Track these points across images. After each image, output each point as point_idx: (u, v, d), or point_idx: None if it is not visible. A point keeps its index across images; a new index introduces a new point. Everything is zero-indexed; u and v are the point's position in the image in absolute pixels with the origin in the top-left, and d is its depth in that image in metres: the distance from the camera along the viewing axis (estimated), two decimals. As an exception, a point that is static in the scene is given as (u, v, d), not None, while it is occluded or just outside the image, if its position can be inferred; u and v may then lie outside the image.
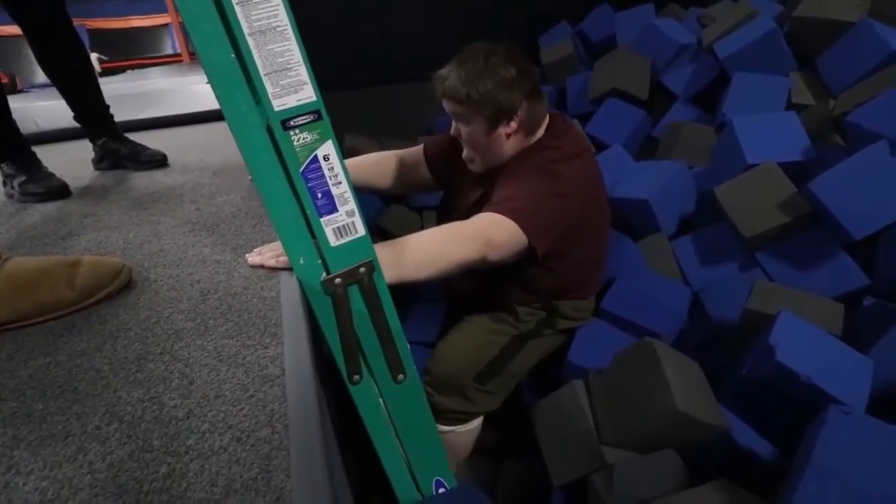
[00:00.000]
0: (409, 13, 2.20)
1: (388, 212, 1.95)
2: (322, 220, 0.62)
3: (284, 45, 0.55)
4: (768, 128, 1.31)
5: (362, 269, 0.65)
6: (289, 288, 0.61)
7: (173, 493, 0.34)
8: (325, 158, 0.61)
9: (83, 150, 1.26)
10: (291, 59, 0.56)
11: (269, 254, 0.69)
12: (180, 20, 3.94)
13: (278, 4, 0.53)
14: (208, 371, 0.47)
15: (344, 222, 0.64)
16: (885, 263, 1.08)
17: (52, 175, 1.09)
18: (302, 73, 0.57)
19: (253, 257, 0.69)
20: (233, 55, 0.53)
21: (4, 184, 1.10)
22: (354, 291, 0.66)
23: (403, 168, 1.25)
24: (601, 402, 0.96)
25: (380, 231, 1.89)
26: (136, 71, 3.69)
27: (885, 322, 0.94)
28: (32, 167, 1.09)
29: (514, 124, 0.98)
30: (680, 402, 0.83)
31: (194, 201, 0.95)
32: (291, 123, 0.58)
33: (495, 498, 1.17)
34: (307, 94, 0.58)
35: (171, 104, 1.96)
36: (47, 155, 1.11)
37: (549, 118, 1.05)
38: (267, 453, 0.36)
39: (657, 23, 1.84)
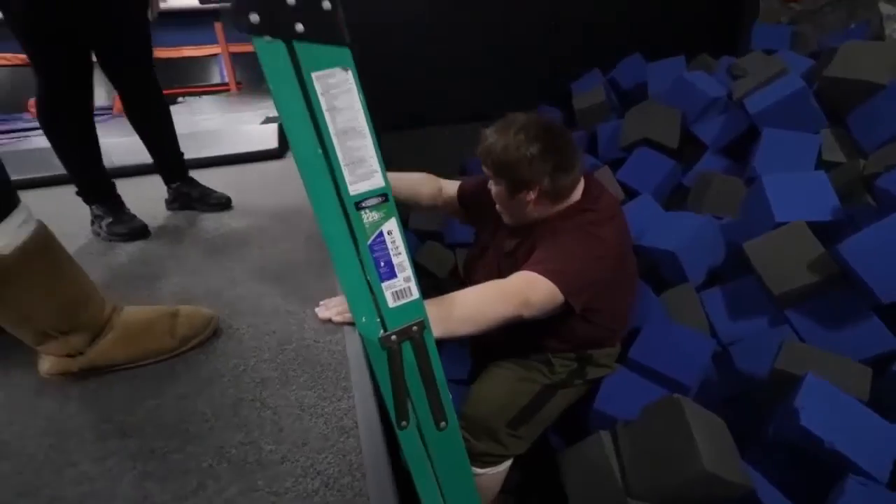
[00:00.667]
0: (445, 61, 2.35)
1: (422, 248, 2.05)
2: (383, 284, 0.72)
3: (361, 142, 0.65)
4: (798, 186, 1.35)
5: (415, 328, 0.74)
6: (353, 342, 0.70)
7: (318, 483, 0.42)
8: (389, 233, 0.70)
9: (153, 187, 1.41)
10: (366, 153, 0.66)
11: (335, 310, 0.79)
12: (229, 51, 4.22)
13: (359, 110, 0.64)
14: (293, 420, 0.56)
15: (401, 287, 0.73)
16: (914, 328, 1.10)
17: (134, 217, 1.24)
18: (374, 163, 0.67)
19: (322, 311, 0.79)
20: (320, 151, 0.64)
21: (93, 223, 1.25)
22: (407, 347, 0.75)
23: (442, 197, 1.35)
24: (628, 454, 1.00)
25: (416, 266, 1.99)
26: (188, 99, 3.98)
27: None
28: (119, 209, 1.24)
29: (532, 194, 1.04)
30: (707, 461, 0.87)
31: (261, 247, 1.07)
32: (363, 204, 0.68)
33: (522, 538, 1.22)
34: (377, 181, 0.68)
35: (222, 144, 2.14)
36: (121, 189, 1.25)
37: (585, 181, 1.13)
38: (351, 498, 0.45)
39: (688, 76, 1.91)
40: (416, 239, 2.09)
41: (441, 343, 1.27)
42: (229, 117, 2.79)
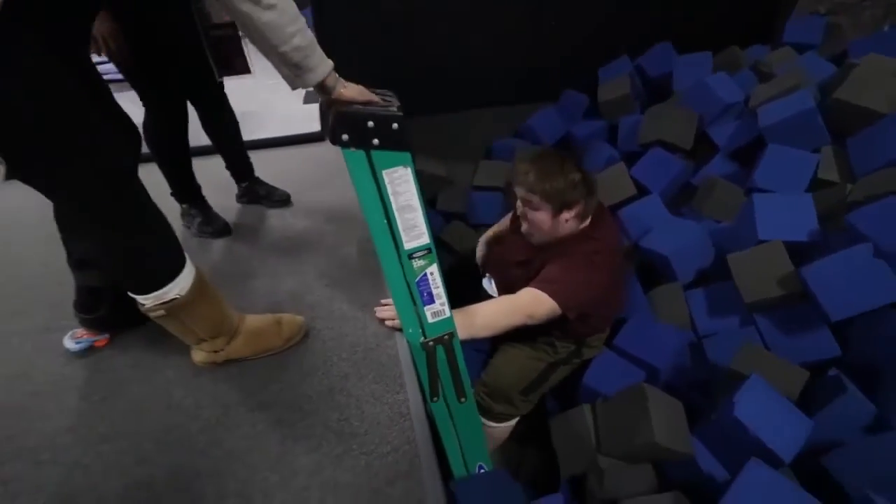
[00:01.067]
0: (473, 49, 2.44)
1: (447, 227, 2.30)
2: (425, 307, 1.00)
3: (414, 214, 0.91)
4: (784, 207, 1.53)
5: (446, 337, 1.03)
6: (402, 346, 0.99)
7: (373, 464, 0.73)
8: (431, 274, 0.97)
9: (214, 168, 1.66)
10: (417, 222, 0.92)
11: (388, 319, 1.08)
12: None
13: (414, 193, 0.89)
14: (369, 405, 0.86)
15: (438, 309, 1.01)
16: (856, 343, 1.33)
17: (218, 216, 1.52)
18: (422, 227, 0.93)
19: (380, 312, 1.09)
20: (385, 221, 0.90)
21: (183, 219, 1.53)
22: (440, 349, 1.04)
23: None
24: (602, 423, 1.31)
25: (441, 243, 2.25)
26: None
27: (835, 392, 1.22)
28: (206, 209, 1.52)
29: (571, 214, 1.29)
30: (658, 434, 1.17)
31: (324, 252, 1.35)
32: (414, 255, 0.94)
33: (519, 476, 1.58)
34: (424, 239, 0.93)
35: (267, 126, 2.31)
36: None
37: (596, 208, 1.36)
38: (410, 459, 0.75)
39: (710, 80, 2.01)
40: (441, 219, 2.34)
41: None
42: (265, 98, 2.92)
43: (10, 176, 0.68)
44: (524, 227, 1.39)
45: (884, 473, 1.03)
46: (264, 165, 1.86)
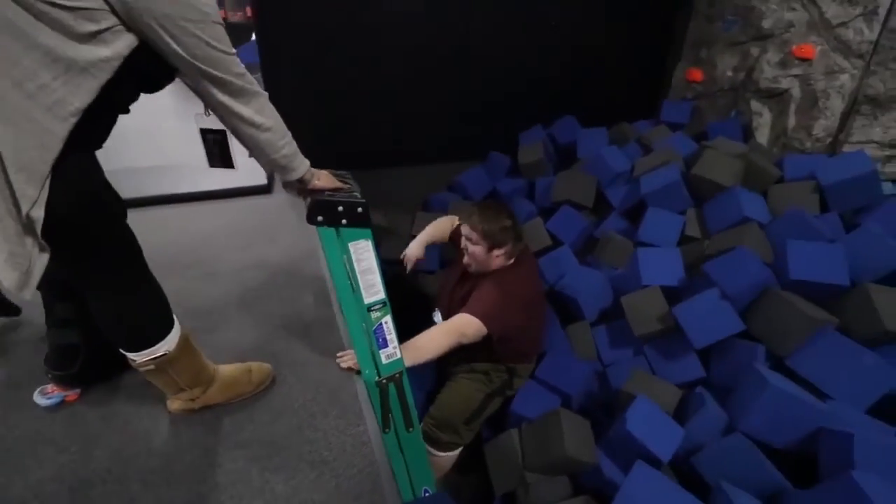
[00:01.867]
0: (413, 113, 2.77)
1: (391, 271, 2.51)
2: (380, 351, 1.20)
3: (373, 276, 1.12)
4: (660, 259, 1.93)
5: (397, 375, 1.23)
6: (360, 385, 1.18)
7: (342, 484, 0.91)
8: (386, 323, 1.18)
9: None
10: (375, 281, 1.13)
11: (351, 361, 1.27)
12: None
13: (373, 259, 1.10)
14: (336, 436, 1.03)
15: (391, 352, 1.21)
16: (715, 366, 1.71)
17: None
18: (379, 286, 1.14)
19: (343, 362, 1.27)
20: (349, 282, 1.10)
21: None
22: (392, 386, 1.24)
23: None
24: (527, 443, 1.56)
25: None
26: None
27: (698, 406, 1.57)
28: None
29: (502, 251, 1.61)
30: (569, 448, 1.43)
31: (282, 303, 1.50)
32: (372, 308, 1.15)
33: (460, 500, 1.77)
34: (380, 295, 1.15)
35: (211, 177, 2.41)
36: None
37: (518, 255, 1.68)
38: (373, 478, 0.94)
39: (604, 151, 2.46)
40: (384, 266, 2.55)
41: (412, 372, 1.79)
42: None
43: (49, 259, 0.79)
44: (465, 258, 1.66)
45: (730, 466, 1.36)
46: (207, 220, 1.99)
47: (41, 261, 0.75)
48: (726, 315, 1.66)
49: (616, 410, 1.72)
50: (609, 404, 1.85)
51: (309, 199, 1.02)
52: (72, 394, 1.14)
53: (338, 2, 2.43)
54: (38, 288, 0.77)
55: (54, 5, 0.64)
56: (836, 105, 2.27)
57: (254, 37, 2.55)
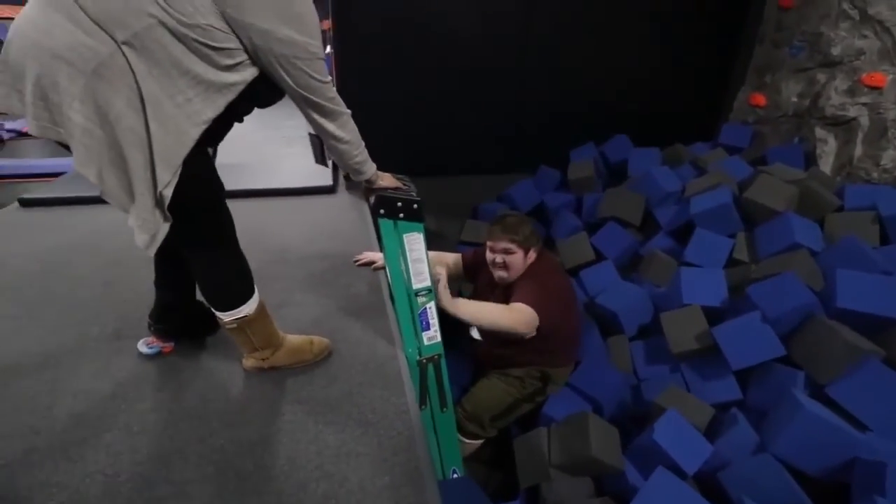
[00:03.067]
0: (469, 127, 2.93)
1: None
2: (423, 333, 1.34)
3: (422, 265, 1.27)
4: (703, 279, 1.95)
5: (437, 356, 1.37)
6: (403, 363, 1.33)
7: (383, 442, 1.05)
8: (430, 308, 1.32)
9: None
10: (423, 269, 1.28)
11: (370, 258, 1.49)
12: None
13: (423, 250, 1.25)
14: (380, 403, 1.18)
15: (432, 335, 1.35)
16: (752, 389, 1.71)
17: None
18: (426, 274, 1.28)
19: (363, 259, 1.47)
20: (402, 268, 1.25)
21: None
22: (430, 366, 1.37)
23: (456, 267, 2.00)
24: (554, 442, 1.63)
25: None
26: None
27: (731, 425, 1.58)
28: None
29: (534, 253, 1.76)
30: (594, 449, 1.50)
31: (340, 289, 1.68)
32: (418, 294, 1.29)
33: (485, 490, 1.85)
34: (427, 282, 1.29)
35: (282, 176, 2.70)
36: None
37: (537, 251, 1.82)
38: (409, 438, 1.07)
39: (655, 171, 2.50)
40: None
41: (450, 365, 1.90)
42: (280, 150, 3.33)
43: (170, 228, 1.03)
44: (500, 274, 1.77)
45: (755, 485, 1.37)
46: (280, 213, 2.22)
47: (164, 228, 0.96)
48: (766, 338, 1.66)
49: (647, 423, 1.75)
50: (641, 417, 1.88)
51: (373, 196, 1.18)
52: (168, 346, 1.36)
53: (405, 21, 2.66)
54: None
55: (206, 45, 0.86)
56: (908, 136, 2.18)
57: (329, 48, 2.83)
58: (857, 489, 1.30)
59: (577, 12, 2.79)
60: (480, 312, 1.56)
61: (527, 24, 2.78)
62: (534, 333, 1.64)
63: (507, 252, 1.75)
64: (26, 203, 2.38)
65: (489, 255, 1.80)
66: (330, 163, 2.53)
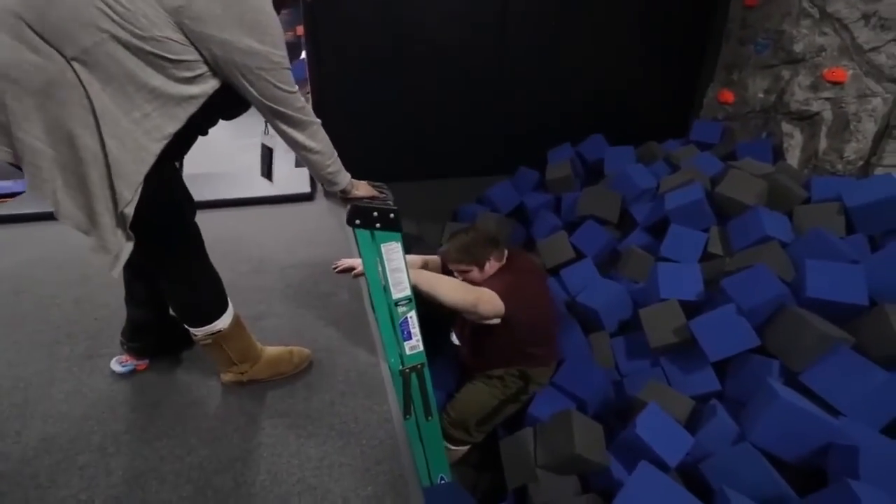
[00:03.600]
0: (446, 127, 2.94)
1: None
2: (405, 342, 1.33)
3: (401, 274, 1.26)
4: (679, 274, 1.99)
5: (419, 366, 1.36)
6: (385, 371, 1.32)
7: (366, 452, 1.04)
8: (410, 317, 1.32)
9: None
10: (403, 279, 1.27)
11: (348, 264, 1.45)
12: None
13: (401, 259, 1.25)
14: (362, 413, 1.17)
15: (414, 344, 1.35)
16: (730, 380, 1.75)
17: None
18: (406, 283, 1.28)
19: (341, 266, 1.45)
20: (381, 279, 1.25)
21: None
22: (414, 375, 1.37)
23: (435, 268, 1.99)
24: (540, 442, 1.64)
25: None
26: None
27: (710, 416, 1.61)
28: None
29: (489, 263, 1.74)
30: (579, 447, 1.51)
31: (320, 298, 1.67)
32: (399, 303, 1.29)
33: (474, 493, 1.86)
34: (406, 292, 1.29)
35: (259, 185, 2.65)
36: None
37: (509, 252, 1.81)
38: (392, 448, 1.06)
39: (630, 169, 2.54)
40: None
41: (434, 372, 1.88)
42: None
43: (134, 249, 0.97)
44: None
45: (735, 473, 1.40)
46: (257, 222, 2.20)
47: (127, 248, 0.93)
48: (742, 330, 1.70)
49: (630, 417, 1.77)
50: (624, 412, 1.91)
51: (349, 206, 1.17)
52: (142, 363, 1.33)
53: (380, 25, 2.65)
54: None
55: (162, 58, 0.83)
56: (869, 128, 2.27)
57: (304, 55, 2.80)
58: (832, 473, 1.34)
59: (550, 15, 2.82)
60: (440, 283, 1.48)
61: (502, 28, 2.80)
62: (498, 321, 1.62)
63: (462, 272, 1.76)
64: (-9, 221, 2.30)
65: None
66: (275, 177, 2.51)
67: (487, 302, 1.57)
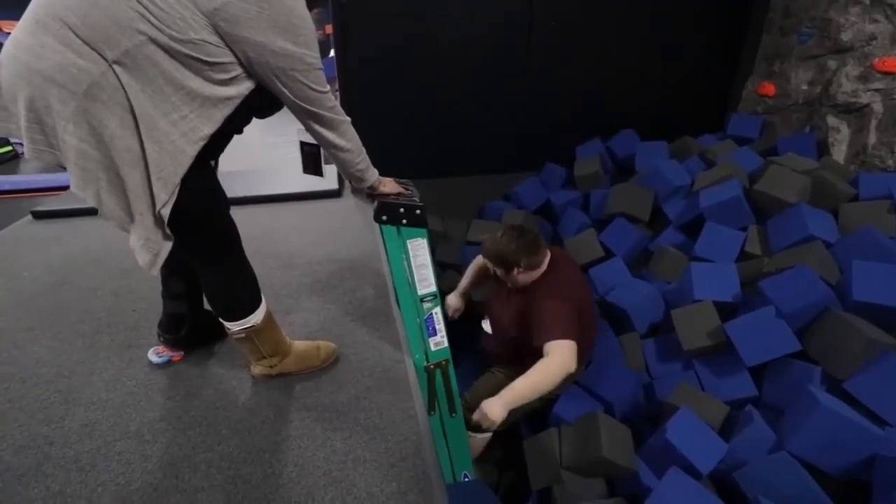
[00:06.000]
0: (473, 125, 2.92)
1: (443, 275, 2.65)
2: (430, 339, 1.33)
3: (426, 270, 1.26)
4: (714, 274, 1.91)
5: (444, 362, 1.36)
6: (410, 368, 1.32)
7: (390, 447, 1.05)
8: (436, 313, 1.32)
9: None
10: (428, 275, 1.27)
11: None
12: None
13: (427, 255, 1.24)
14: (387, 408, 1.18)
15: (439, 340, 1.34)
16: (768, 385, 1.67)
17: None
18: (431, 280, 1.28)
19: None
20: (406, 274, 1.25)
21: None
22: (438, 372, 1.37)
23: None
24: (566, 442, 1.62)
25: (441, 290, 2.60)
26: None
27: (746, 423, 1.54)
28: None
29: (520, 269, 1.69)
30: (606, 450, 1.48)
31: (346, 293, 1.68)
32: (424, 299, 1.29)
33: (497, 491, 1.85)
34: (432, 288, 1.29)
35: (289, 182, 2.69)
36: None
37: (550, 254, 1.76)
38: (416, 444, 1.06)
39: (663, 164, 2.46)
40: (439, 269, 2.69)
41: (456, 367, 1.88)
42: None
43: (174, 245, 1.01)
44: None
45: (772, 484, 1.34)
46: (286, 218, 2.23)
47: (166, 246, 0.96)
48: (781, 333, 1.62)
49: (660, 422, 1.72)
50: (654, 416, 1.86)
51: (376, 202, 1.18)
52: (177, 355, 1.37)
53: (408, 23, 2.65)
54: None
55: (199, 60, 0.85)
56: (925, 121, 2.12)
57: (332, 52, 2.83)
58: (878, 487, 1.27)
59: (580, 7, 2.76)
60: (536, 385, 1.49)
61: (530, 21, 2.75)
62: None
63: (503, 276, 1.74)
64: (39, 216, 2.42)
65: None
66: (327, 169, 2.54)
67: (571, 353, 1.54)
